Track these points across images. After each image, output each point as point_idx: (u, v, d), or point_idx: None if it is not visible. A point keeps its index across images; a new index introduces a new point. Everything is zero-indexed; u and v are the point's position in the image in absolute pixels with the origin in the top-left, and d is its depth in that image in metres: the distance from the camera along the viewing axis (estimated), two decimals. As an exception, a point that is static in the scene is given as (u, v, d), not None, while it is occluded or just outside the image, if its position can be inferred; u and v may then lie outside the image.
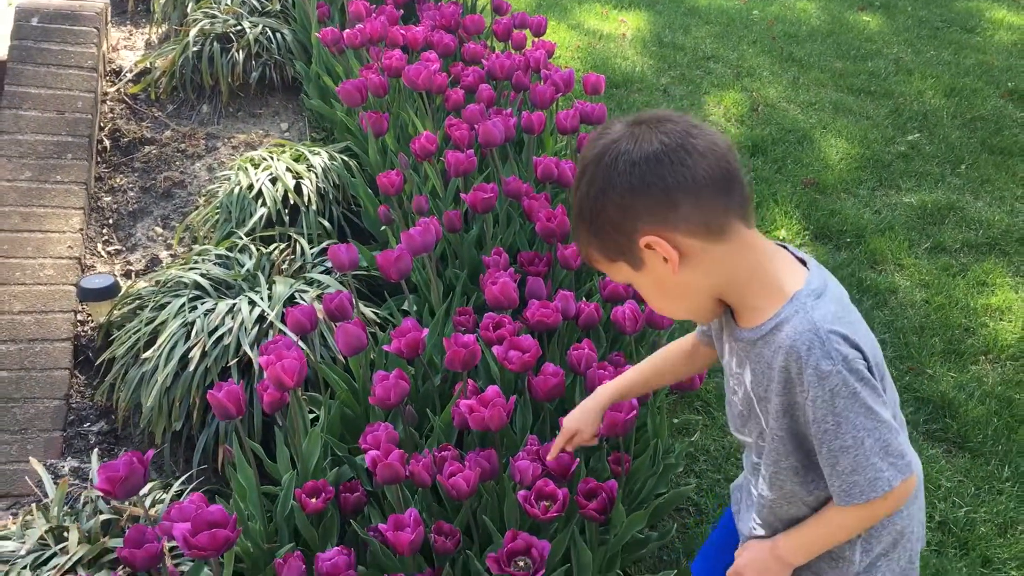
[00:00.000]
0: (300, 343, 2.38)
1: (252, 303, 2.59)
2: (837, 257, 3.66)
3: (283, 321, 2.58)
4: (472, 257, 2.86)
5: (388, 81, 3.17)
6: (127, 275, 3.23)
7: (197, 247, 3.26)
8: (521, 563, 1.93)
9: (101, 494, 2.27)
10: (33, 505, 2.38)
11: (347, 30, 3.42)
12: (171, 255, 3.28)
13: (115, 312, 2.89)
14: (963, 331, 3.34)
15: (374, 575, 2.05)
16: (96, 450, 2.48)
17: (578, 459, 2.08)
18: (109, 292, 2.89)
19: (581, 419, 1.82)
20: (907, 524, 1.48)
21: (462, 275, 2.77)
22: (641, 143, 1.25)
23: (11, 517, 2.49)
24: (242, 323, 2.51)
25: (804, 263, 1.37)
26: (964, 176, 4.26)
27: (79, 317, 3.07)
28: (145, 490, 2.37)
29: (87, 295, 2.89)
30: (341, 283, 2.74)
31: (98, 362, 2.88)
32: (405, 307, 2.90)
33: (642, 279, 1.35)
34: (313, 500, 2.07)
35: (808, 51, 5.28)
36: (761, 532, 1.52)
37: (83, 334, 3.03)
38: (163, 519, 1.91)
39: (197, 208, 3.35)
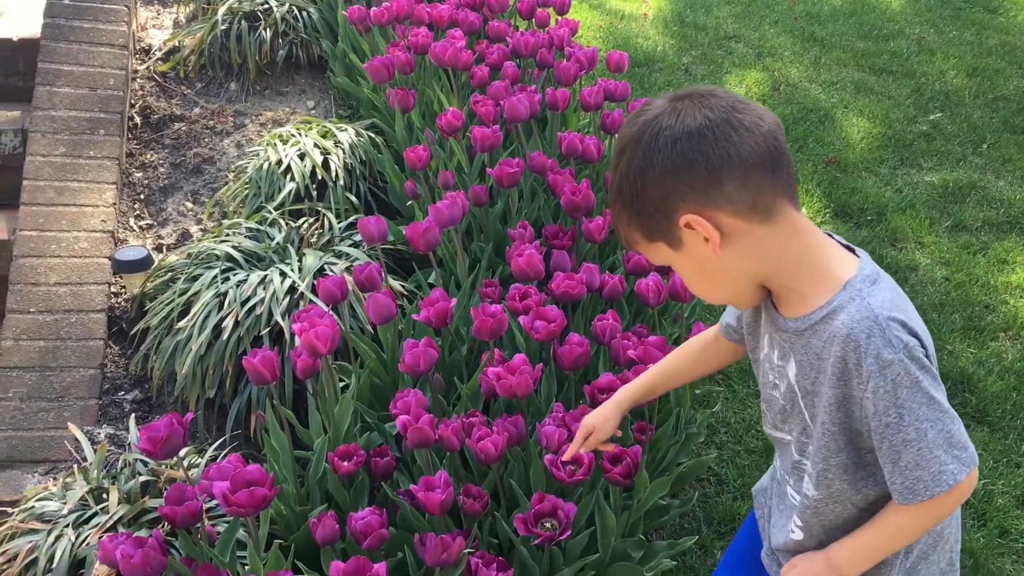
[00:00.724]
0: (330, 312, 2.43)
1: (283, 274, 2.65)
2: (858, 235, 3.68)
3: (313, 292, 2.64)
4: (497, 231, 2.90)
5: (414, 58, 3.22)
6: (158, 248, 3.30)
7: (227, 221, 3.33)
8: (548, 524, 1.99)
9: (142, 456, 2.35)
10: (75, 467, 2.46)
11: (374, 8, 3.46)
12: (201, 229, 3.34)
13: (148, 284, 2.96)
14: (983, 308, 3.36)
15: (404, 536, 2.11)
16: (132, 416, 2.55)
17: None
18: (143, 264, 2.96)
19: (598, 417, 1.76)
20: (946, 524, 1.42)
21: (487, 248, 2.82)
22: (683, 118, 1.20)
23: (52, 480, 2.57)
24: (274, 294, 2.57)
25: (852, 251, 1.31)
26: (986, 155, 4.27)
27: (113, 289, 3.14)
28: (181, 454, 2.45)
29: (121, 267, 2.96)
30: (369, 255, 2.80)
31: (132, 332, 2.95)
32: (432, 280, 2.96)
33: (682, 261, 1.30)
34: (345, 463, 2.14)
35: (830, 31, 5.28)
36: (799, 536, 1.44)
37: (117, 305, 3.10)
38: (202, 479, 1.98)
39: (226, 184, 3.40)
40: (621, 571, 2.21)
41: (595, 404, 2.21)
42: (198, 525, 1.97)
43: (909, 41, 5.23)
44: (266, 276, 2.64)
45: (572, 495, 2.14)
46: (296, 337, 2.23)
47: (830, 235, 1.32)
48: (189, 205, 3.43)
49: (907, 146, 4.28)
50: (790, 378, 1.33)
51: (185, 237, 3.34)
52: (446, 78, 3.33)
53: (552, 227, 2.77)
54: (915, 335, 1.20)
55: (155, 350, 2.75)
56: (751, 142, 1.18)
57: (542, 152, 2.95)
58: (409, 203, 3.09)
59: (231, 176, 3.38)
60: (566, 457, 1.89)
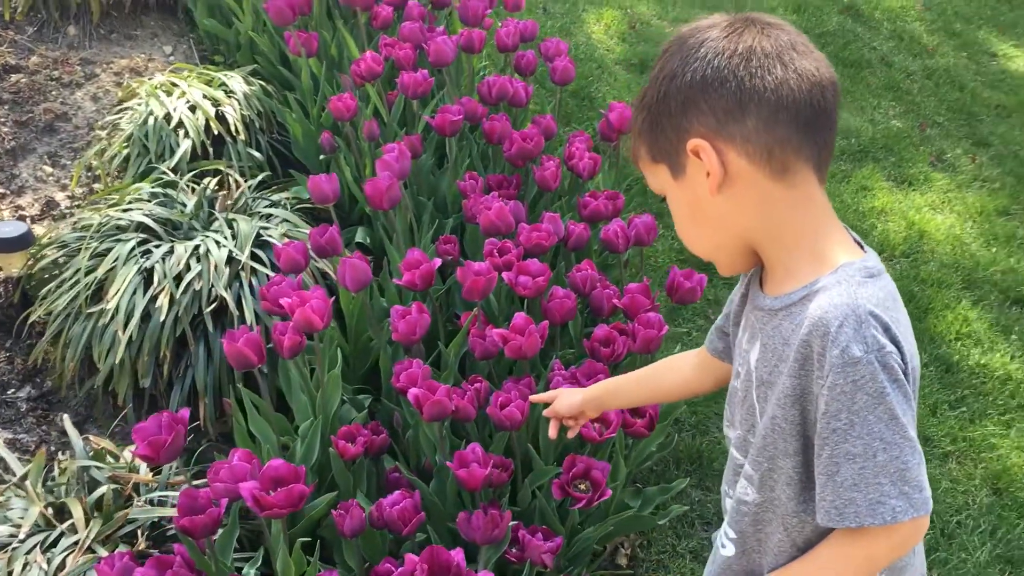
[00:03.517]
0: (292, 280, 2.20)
1: (217, 244, 2.38)
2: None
3: (254, 260, 2.39)
4: (430, 183, 2.75)
5: (313, -2, 2.95)
6: (21, 221, 2.86)
7: (98, 185, 2.94)
8: (582, 487, 1.94)
9: (94, 463, 2.06)
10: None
11: (256, -59, 3.13)
12: (69, 196, 2.93)
13: (34, 264, 2.56)
14: (859, 232, 3.60)
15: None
16: (65, 417, 2.21)
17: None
18: (22, 242, 2.55)
19: (566, 392, 1.64)
20: (910, 559, 1.23)
21: (427, 203, 2.66)
22: (736, 36, 1.07)
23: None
24: (215, 266, 2.29)
25: (862, 248, 1.15)
26: (826, 88, 4.53)
27: (-27, 272, 2.70)
28: (127, 455, 2.16)
29: (-2, 245, 2.53)
30: (316, 216, 2.57)
31: (20, 320, 2.56)
32: (360, 238, 2.77)
33: (677, 192, 1.16)
34: (351, 445, 1.97)
35: (666, -31, 5.39)
36: (730, 551, 1.27)
37: (-17, 291, 2.67)
38: (211, 481, 1.75)
39: (94, 143, 2.99)
40: (635, 523, 2.20)
41: (594, 356, 2.17)
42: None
43: (738, -21, 5.44)
44: (198, 247, 2.35)
45: (584, 451, 2.09)
46: (255, 313, 2.02)
47: (846, 229, 1.16)
48: (48, 169, 2.99)
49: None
50: (750, 363, 1.17)
51: (51, 207, 2.91)
52: (343, 21, 3.08)
53: (496, 176, 2.65)
54: (896, 343, 1.03)
55: (62, 338, 2.39)
56: (795, 85, 1.06)
57: (469, 97, 2.81)
58: (323, 157, 2.85)
59: (102, 134, 2.97)
60: (533, 399, 1.76)
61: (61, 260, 2.51)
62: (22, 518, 1.94)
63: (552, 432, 1.66)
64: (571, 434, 1.67)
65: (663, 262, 3.25)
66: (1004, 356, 3.12)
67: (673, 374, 1.52)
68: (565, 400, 1.62)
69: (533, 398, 1.76)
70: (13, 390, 2.55)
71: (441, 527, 2.02)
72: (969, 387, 2.99)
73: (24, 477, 2.06)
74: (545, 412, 1.67)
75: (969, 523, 2.54)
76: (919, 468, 1.04)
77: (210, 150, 2.82)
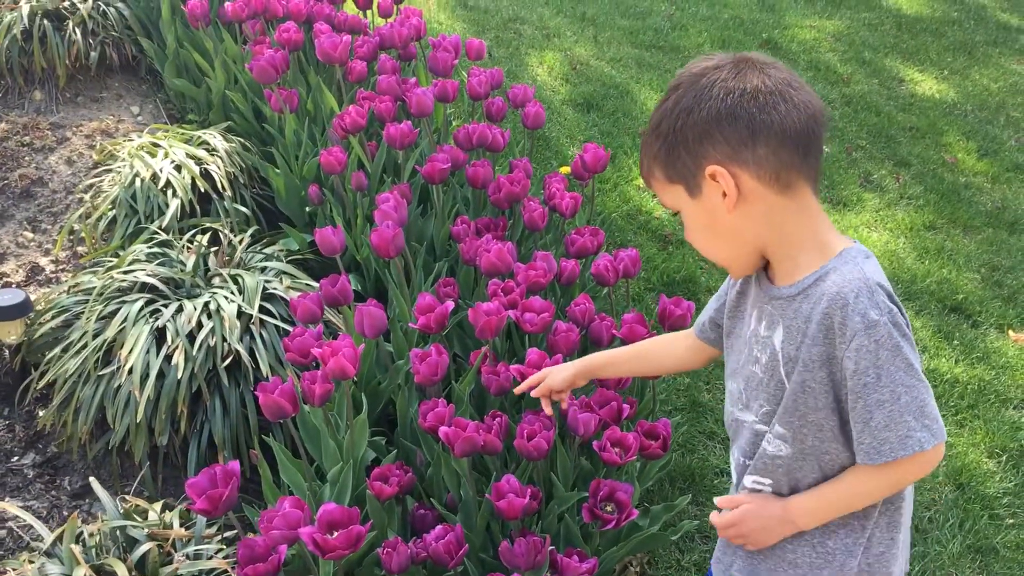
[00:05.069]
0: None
1: (226, 299, 2.44)
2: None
3: (264, 313, 2.46)
4: (419, 229, 2.86)
5: (289, 56, 3.04)
6: (5, 288, 2.86)
7: (82, 248, 2.96)
8: (608, 508, 2.06)
9: (126, 522, 2.09)
10: (25, 554, 2.12)
11: (229, 3, 3.20)
12: (53, 261, 2.94)
13: (36, 329, 2.57)
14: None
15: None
16: (92, 478, 2.22)
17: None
18: (21, 309, 2.56)
19: (556, 368, 1.87)
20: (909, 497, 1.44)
21: (420, 248, 2.77)
22: (742, 77, 1.26)
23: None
24: (228, 321, 2.36)
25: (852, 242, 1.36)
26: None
27: (-35, 341, 2.69)
28: (154, 515, 2.19)
29: (-2, 314, 2.54)
30: (307, 267, 2.65)
31: (22, 387, 2.56)
32: (353, 286, 2.85)
33: (694, 210, 1.35)
34: (386, 486, 2.05)
35: (595, 10, 5.62)
36: (768, 491, 1.45)
37: (-23, 360, 2.66)
38: (264, 529, 1.82)
39: (74, 206, 3.02)
40: (651, 541, 2.33)
41: (601, 383, 2.30)
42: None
43: (662, 18, 5.70)
44: (207, 303, 2.41)
45: (605, 474, 2.21)
46: (287, 364, 2.09)
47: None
48: (29, 235, 2.99)
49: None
50: (775, 346, 1.35)
51: (35, 272, 2.92)
52: (318, 76, 3.18)
53: (484, 219, 2.78)
54: (898, 305, 1.26)
55: (73, 402, 2.41)
56: (796, 117, 1.26)
57: (450, 145, 2.93)
58: (308, 209, 2.94)
59: (85, 197, 2.99)
60: (518, 391, 1.97)
61: (58, 325, 2.54)
62: (64, 582, 1.96)
63: (546, 409, 1.91)
64: (564, 406, 1.93)
65: (635, 290, 3.41)
66: (949, 361, 3.36)
67: (668, 353, 1.77)
68: (557, 376, 1.84)
69: (520, 390, 1.94)
70: (17, 457, 2.55)
71: (472, 558, 2.12)
72: (923, 391, 3.22)
73: (56, 542, 2.08)
74: (535, 392, 1.88)
75: (939, 518, 2.74)
76: (933, 402, 1.27)
77: (197, 208, 2.88)
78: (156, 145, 2.98)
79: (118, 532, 2.09)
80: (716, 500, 1.52)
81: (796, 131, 1.26)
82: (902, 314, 1.26)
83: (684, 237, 1.48)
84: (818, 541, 1.41)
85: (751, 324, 1.43)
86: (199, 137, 3.04)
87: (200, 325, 2.38)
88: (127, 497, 2.17)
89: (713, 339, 1.61)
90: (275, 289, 2.51)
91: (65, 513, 2.43)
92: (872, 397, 1.25)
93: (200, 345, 2.34)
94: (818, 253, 1.31)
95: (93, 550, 2.10)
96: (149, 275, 2.49)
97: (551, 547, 2.01)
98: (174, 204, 2.81)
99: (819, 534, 1.41)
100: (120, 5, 3.54)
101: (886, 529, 1.40)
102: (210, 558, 2.06)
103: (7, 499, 2.46)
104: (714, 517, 1.51)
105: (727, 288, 1.53)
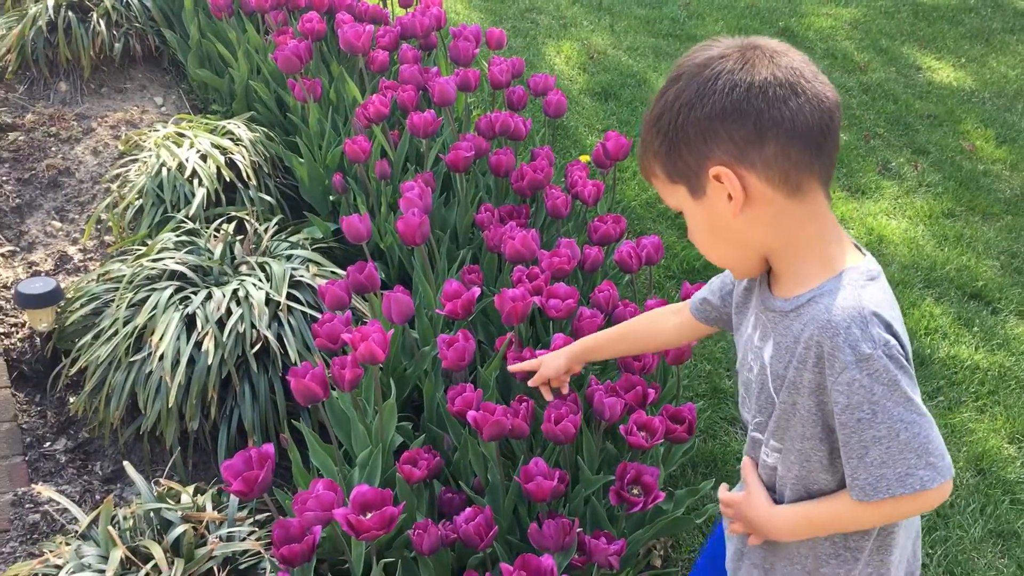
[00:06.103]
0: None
1: (255, 286, 2.47)
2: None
3: (292, 300, 2.49)
4: (442, 217, 2.88)
5: (312, 46, 3.06)
6: (36, 276, 2.90)
7: (109, 237, 3.00)
8: (635, 491, 2.08)
9: (161, 504, 2.13)
10: (59, 536, 2.16)
11: (247, -7, 3.23)
12: (81, 249, 2.98)
13: (62, 317, 2.61)
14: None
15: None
16: (126, 462, 2.26)
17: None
18: (52, 297, 2.60)
19: (550, 356, 1.92)
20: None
21: (444, 236, 2.80)
22: (750, 68, 1.15)
23: (40, 553, 2.23)
24: (257, 308, 2.39)
25: (862, 252, 1.28)
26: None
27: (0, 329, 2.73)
28: (186, 498, 2.23)
29: (28, 302, 2.57)
30: (332, 255, 2.68)
31: (53, 374, 2.60)
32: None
33: (697, 211, 1.26)
34: (416, 469, 2.08)
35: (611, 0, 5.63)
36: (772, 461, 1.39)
37: (13, 347, 2.70)
38: (298, 512, 1.85)
39: (101, 196, 3.05)
40: (677, 524, 2.35)
41: (627, 369, 2.33)
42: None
43: (678, 7, 5.70)
44: (236, 290, 2.45)
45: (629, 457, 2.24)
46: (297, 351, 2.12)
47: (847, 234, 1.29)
48: (57, 224, 3.03)
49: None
50: (764, 359, 1.29)
51: (64, 261, 2.96)
52: (341, 65, 3.20)
53: (507, 207, 2.80)
54: (896, 336, 1.17)
55: (105, 388, 2.45)
56: (808, 113, 1.15)
57: (474, 134, 2.95)
58: (332, 198, 2.96)
59: (113, 187, 3.03)
60: (511, 369, 2.04)
61: (89, 313, 2.57)
62: (99, 565, 2.00)
63: (547, 395, 1.95)
64: (564, 391, 1.96)
65: (655, 278, 3.43)
66: (969, 347, 3.37)
67: (655, 332, 1.75)
68: (551, 364, 1.88)
69: (516, 368, 2.00)
70: (49, 443, 2.59)
71: (500, 540, 2.14)
72: (943, 378, 3.23)
73: (91, 525, 2.12)
74: (531, 382, 1.92)
75: (960, 503, 2.76)
76: (938, 438, 1.18)
77: (222, 197, 2.91)
78: (181, 135, 3.01)
79: (152, 515, 2.13)
80: (720, 490, 1.52)
81: (808, 128, 1.15)
82: (901, 345, 1.17)
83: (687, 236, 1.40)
84: (811, 568, 1.38)
85: (748, 328, 1.38)
86: (223, 127, 3.07)
87: (229, 312, 2.41)
88: (160, 480, 2.20)
89: (711, 318, 1.56)
90: (302, 276, 2.54)
91: (97, 497, 2.47)
92: (868, 433, 1.16)
93: (229, 331, 2.37)
94: (820, 268, 1.23)
95: (128, 532, 2.14)
96: (178, 263, 2.52)
97: (579, 529, 2.04)
98: (200, 193, 2.84)
99: (811, 560, 1.37)
100: (143, -4, 3.58)
101: (875, 552, 1.35)
102: (243, 540, 2.09)
103: (39, 483, 2.50)
104: (722, 491, 1.51)
105: (733, 279, 1.47)
